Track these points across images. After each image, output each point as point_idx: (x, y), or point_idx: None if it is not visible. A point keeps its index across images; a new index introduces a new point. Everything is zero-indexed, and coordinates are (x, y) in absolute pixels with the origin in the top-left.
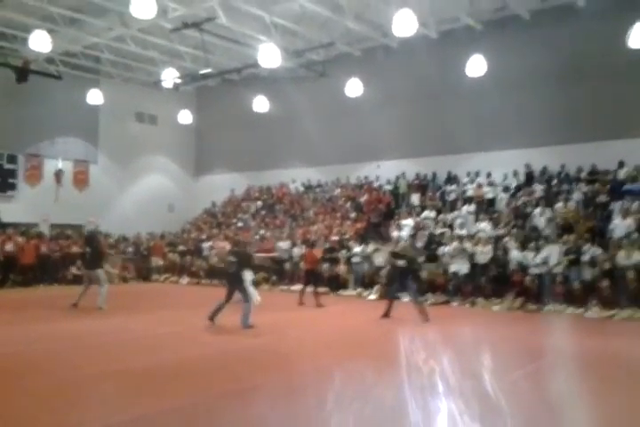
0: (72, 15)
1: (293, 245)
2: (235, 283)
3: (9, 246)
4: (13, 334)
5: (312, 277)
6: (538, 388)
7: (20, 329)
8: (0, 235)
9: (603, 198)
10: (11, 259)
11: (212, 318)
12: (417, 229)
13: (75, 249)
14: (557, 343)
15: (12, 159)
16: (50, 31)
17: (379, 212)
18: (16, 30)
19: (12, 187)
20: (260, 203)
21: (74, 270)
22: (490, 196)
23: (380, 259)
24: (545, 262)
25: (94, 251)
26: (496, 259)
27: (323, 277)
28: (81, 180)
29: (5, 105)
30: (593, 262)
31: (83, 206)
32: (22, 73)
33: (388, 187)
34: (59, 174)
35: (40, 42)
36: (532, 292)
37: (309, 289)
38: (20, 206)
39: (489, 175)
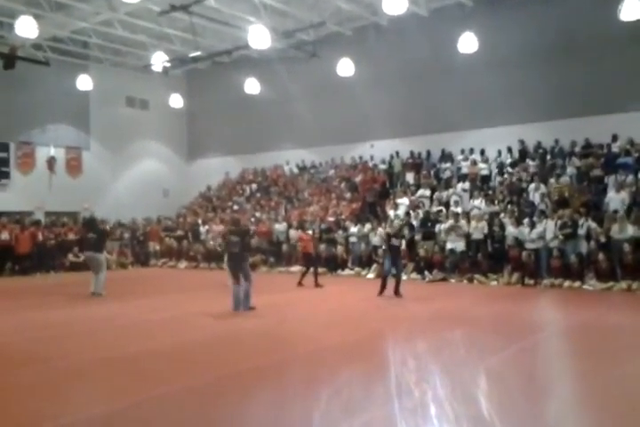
0: (58, 0)
1: (289, 226)
2: (238, 262)
3: (4, 235)
4: (6, 323)
5: (308, 259)
6: (534, 362)
7: (14, 318)
8: None
9: (597, 172)
10: (6, 248)
11: (237, 308)
12: (412, 207)
13: (71, 236)
14: (555, 317)
15: (4, 147)
16: (36, 16)
17: (374, 191)
18: (2, 16)
19: (5, 175)
20: (254, 185)
21: (71, 258)
22: (484, 172)
23: (376, 238)
24: (541, 237)
25: (98, 235)
26: (492, 235)
27: (320, 257)
28: (74, 166)
29: None
30: (589, 236)
31: (77, 193)
32: (9, 59)
33: (383, 166)
34: (51, 162)
35: (26, 27)
36: (529, 267)
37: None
38: (14, 195)
39: (483, 152)
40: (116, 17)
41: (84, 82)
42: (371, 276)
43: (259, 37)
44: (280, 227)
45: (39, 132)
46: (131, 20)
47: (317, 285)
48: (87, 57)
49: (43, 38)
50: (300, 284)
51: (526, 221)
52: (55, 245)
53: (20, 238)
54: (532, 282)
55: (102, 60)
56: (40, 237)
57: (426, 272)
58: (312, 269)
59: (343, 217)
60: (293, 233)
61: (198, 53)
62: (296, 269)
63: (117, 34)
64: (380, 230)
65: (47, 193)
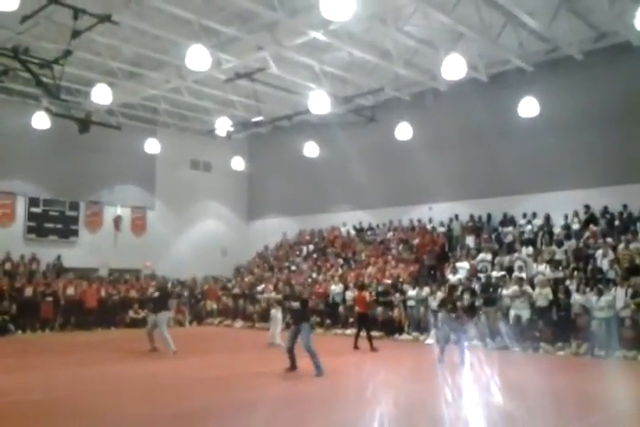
0: (131, 69)
1: (346, 288)
2: (299, 321)
3: (70, 290)
4: (65, 377)
5: (364, 321)
6: None
7: (73, 372)
8: (62, 279)
9: None
10: (72, 302)
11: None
12: (473, 272)
13: (132, 293)
14: (630, 391)
15: (74, 206)
16: (110, 84)
17: (433, 254)
18: (78, 84)
19: (74, 233)
20: (311, 246)
21: (131, 314)
22: (548, 237)
23: (435, 302)
24: (610, 306)
25: (164, 295)
26: (557, 302)
27: (376, 320)
28: (138, 225)
29: (68, 155)
30: None
31: (140, 251)
32: (84, 124)
33: (442, 229)
34: (117, 220)
35: (101, 95)
36: (598, 337)
37: (363, 333)
38: (81, 252)
39: (547, 217)
40: (183, 84)
41: (152, 145)
42: (430, 341)
43: (319, 103)
44: (336, 288)
45: (107, 193)
46: (197, 87)
47: (373, 349)
48: (155, 122)
49: (115, 104)
50: (355, 347)
51: (594, 288)
52: (118, 302)
53: (88, 294)
54: (602, 353)
55: (169, 124)
56: (103, 293)
57: (487, 339)
58: (366, 333)
59: (401, 280)
60: (350, 294)
61: (260, 118)
62: (352, 331)
63: (184, 100)
64: (439, 294)
65: (112, 250)
